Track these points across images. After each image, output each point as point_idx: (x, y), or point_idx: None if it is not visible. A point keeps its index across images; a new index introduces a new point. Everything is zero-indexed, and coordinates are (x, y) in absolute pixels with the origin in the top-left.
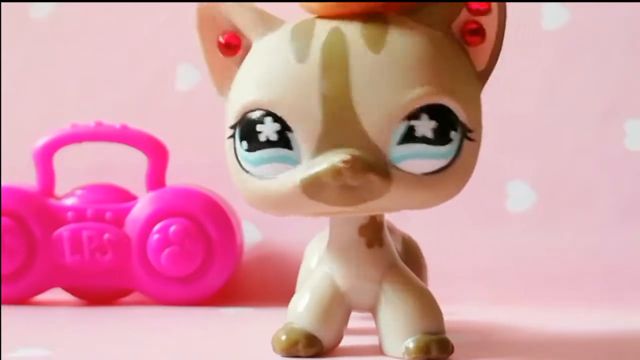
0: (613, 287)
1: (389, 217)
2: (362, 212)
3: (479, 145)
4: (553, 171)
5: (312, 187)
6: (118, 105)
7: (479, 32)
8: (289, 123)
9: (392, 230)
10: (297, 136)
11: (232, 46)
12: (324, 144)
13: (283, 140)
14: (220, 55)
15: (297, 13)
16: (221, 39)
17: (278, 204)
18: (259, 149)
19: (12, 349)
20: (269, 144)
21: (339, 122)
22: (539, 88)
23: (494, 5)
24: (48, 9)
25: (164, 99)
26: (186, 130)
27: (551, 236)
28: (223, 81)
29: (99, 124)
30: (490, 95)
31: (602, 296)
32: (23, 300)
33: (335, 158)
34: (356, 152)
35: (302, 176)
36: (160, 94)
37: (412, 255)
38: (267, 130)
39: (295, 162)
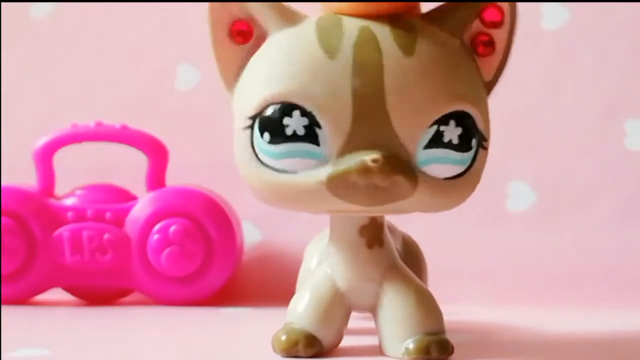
0: (613, 287)
1: (389, 218)
2: (383, 212)
3: (487, 153)
4: (553, 171)
5: (339, 185)
6: (118, 105)
7: (490, 44)
8: (318, 118)
9: (392, 230)
10: (325, 132)
11: (245, 33)
12: (352, 142)
13: (310, 135)
14: (230, 43)
15: (309, 11)
16: (232, 26)
17: (298, 199)
18: (284, 142)
19: (12, 348)
20: (295, 138)
21: (369, 121)
22: (539, 88)
23: (507, 19)
24: (48, 9)
25: (164, 99)
26: (186, 130)
27: (551, 236)
28: (231, 71)
29: (99, 124)
30: (490, 95)
31: (602, 296)
32: (23, 300)
33: (366, 157)
34: (386, 153)
35: (329, 172)
36: (160, 94)
37: (412, 255)
38: (295, 124)
39: (321, 158)
